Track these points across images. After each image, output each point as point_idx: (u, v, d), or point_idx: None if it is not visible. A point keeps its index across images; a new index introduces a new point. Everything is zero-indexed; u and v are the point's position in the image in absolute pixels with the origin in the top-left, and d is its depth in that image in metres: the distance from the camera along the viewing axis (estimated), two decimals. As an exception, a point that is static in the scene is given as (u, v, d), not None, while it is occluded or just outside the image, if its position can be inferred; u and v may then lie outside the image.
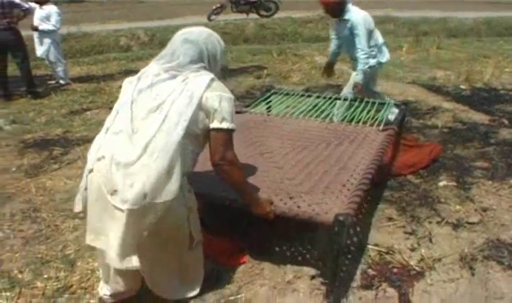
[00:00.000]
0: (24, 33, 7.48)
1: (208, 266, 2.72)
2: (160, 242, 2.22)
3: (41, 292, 2.72)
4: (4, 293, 2.70)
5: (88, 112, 6.55)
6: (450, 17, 15.58)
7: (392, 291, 2.69)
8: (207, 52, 2.26)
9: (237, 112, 3.85)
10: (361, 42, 4.48)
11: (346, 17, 4.52)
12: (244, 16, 16.27)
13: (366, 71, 4.58)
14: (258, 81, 8.16)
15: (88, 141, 5.12)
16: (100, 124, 2.45)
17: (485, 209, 3.52)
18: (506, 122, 5.60)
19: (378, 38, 4.81)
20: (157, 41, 12.75)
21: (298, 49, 11.31)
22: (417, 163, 4.23)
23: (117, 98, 2.32)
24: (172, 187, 2.08)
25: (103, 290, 2.47)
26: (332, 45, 5.14)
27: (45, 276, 2.87)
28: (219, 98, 2.16)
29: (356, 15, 4.50)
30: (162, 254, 2.29)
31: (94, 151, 2.17)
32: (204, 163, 2.52)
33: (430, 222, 3.39)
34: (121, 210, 2.02)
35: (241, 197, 2.45)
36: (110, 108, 2.30)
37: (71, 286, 2.77)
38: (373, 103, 4.19)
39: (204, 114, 2.16)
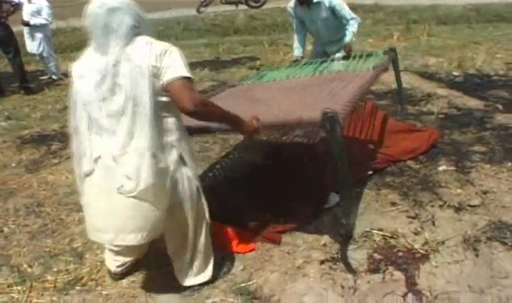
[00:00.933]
0: (13, 28, 7.42)
1: (218, 254, 2.76)
2: (171, 222, 2.31)
3: (52, 285, 2.73)
4: (15, 287, 2.71)
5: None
6: (439, 5, 15.62)
7: (398, 274, 2.73)
8: (135, 13, 2.17)
9: (230, 86, 4.49)
10: (349, 13, 4.66)
11: (315, 0, 4.59)
12: (233, 7, 16.23)
13: (354, 34, 4.74)
14: (252, 71, 8.16)
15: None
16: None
17: (485, 192, 3.57)
18: (500, 107, 5.65)
19: None
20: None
21: (288, 39, 11.24)
22: (416, 148, 4.27)
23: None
24: (163, 164, 2.13)
25: (113, 266, 2.64)
26: (299, 38, 5.10)
27: (55, 269, 2.89)
28: (164, 55, 2.11)
29: None
30: (175, 234, 2.40)
31: (88, 154, 2.17)
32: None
33: (432, 206, 3.43)
34: (128, 199, 2.09)
35: (228, 126, 2.45)
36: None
37: (82, 278, 2.79)
38: (362, 55, 4.44)
39: (160, 80, 2.12)
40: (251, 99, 3.38)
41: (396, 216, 3.34)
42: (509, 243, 2.93)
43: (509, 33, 10.58)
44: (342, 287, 2.63)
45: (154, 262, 2.89)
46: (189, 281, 2.59)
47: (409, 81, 7.06)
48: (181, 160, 2.27)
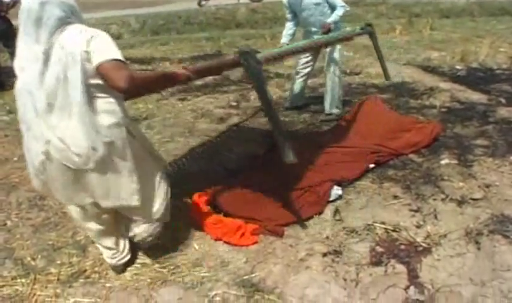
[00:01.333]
0: (14, 22, 7.40)
1: (220, 247, 2.77)
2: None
3: (56, 278, 2.74)
4: (19, 280, 2.72)
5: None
6: (442, -1, 15.61)
7: (401, 267, 2.74)
8: (65, 4, 2.26)
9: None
10: (340, 2, 4.85)
11: None
12: (235, 0, 16.21)
13: (339, 18, 4.90)
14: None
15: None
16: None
17: (487, 186, 3.57)
18: (503, 101, 5.65)
19: None
20: (148, 29, 12.66)
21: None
22: (419, 142, 4.27)
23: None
24: (107, 139, 2.25)
25: (107, 258, 2.74)
26: (289, 27, 5.20)
27: (58, 262, 2.90)
28: (92, 40, 2.19)
29: None
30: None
31: (39, 137, 2.26)
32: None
33: (434, 199, 3.43)
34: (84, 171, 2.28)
35: (165, 86, 2.80)
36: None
37: (85, 271, 2.80)
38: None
39: (91, 63, 2.18)
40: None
41: (399, 210, 3.34)
42: (511, 237, 2.93)
43: (512, 27, 10.56)
44: (345, 280, 2.64)
45: (156, 256, 2.90)
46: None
47: (411, 74, 7.06)
48: (129, 134, 2.37)
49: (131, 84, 2.11)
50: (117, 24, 12.87)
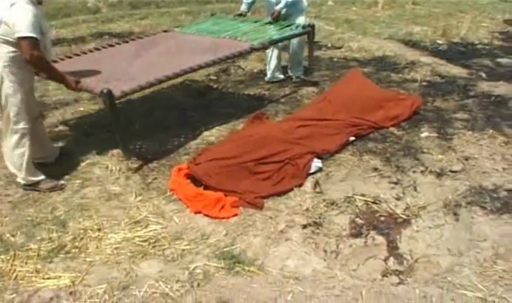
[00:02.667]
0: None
1: (201, 220, 2.75)
2: None
3: (36, 253, 2.72)
4: (-2, 256, 2.69)
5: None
6: (424, -27, 15.50)
7: (380, 239, 2.77)
8: None
9: (164, 31, 5.60)
10: None
11: None
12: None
13: (287, 4, 5.16)
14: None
15: (66, 104, 5.06)
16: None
17: (466, 158, 3.60)
18: (484, 75, 5.69)
19: None
20: (126, 2, 12.37)
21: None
22: (399, 115, 4.28)
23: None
24: None
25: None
26: None
27: (38, 237, 2.87)
28: (14, 13, 2.96)
29: None
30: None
31: None
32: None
33: (414, 171, 3.47)
34: None
35: (56, 81, 3.60)
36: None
37: (65, 246, 2.78)
38: (283, 25, 5.15)
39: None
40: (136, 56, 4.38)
41: (378, 182, 3.36)
42: (489, 208, 2.98)
43: (495, 2, 10.57)
44: (325, 251, 2.66)
45: (137, 230, 2.89)
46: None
47: (393, 49, 7.05)
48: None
49: (33, 63, 3.11)
50: (96, -3, 12.58)
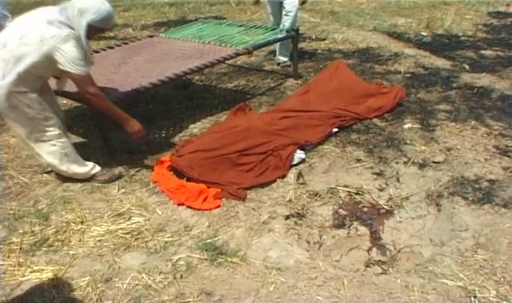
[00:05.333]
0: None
1: (183, 211, 2.74)
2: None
3: (18, 247, 2.69)
4: (-20, 250, 2.66)
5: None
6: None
7: (363, 229, 2.78)
8: None
9: (149, 36, 5.62)
10: None
11: None
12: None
13: None
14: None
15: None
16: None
17: (449, 149, 3.63)
18: (467, 67, 5.73)
19: None
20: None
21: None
22: (382, 106, 4.30)
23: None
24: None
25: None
26: None
27: (20, 231, 2.84)
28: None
29: None
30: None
31: None
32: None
33: (397, 162, 3.48)
34: None
35: (113, 120, 3.21)
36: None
37: (48, 239, 2.75)
38: (268, 28, 5.33)
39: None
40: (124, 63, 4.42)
41: (361, 173, 3.37)
42: (470, 198, 3.01)
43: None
44: (308, 242, 2.67)
45: (119, 222, 2.88)
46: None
47: (377, 40, 7.08)
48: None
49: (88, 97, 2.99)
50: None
